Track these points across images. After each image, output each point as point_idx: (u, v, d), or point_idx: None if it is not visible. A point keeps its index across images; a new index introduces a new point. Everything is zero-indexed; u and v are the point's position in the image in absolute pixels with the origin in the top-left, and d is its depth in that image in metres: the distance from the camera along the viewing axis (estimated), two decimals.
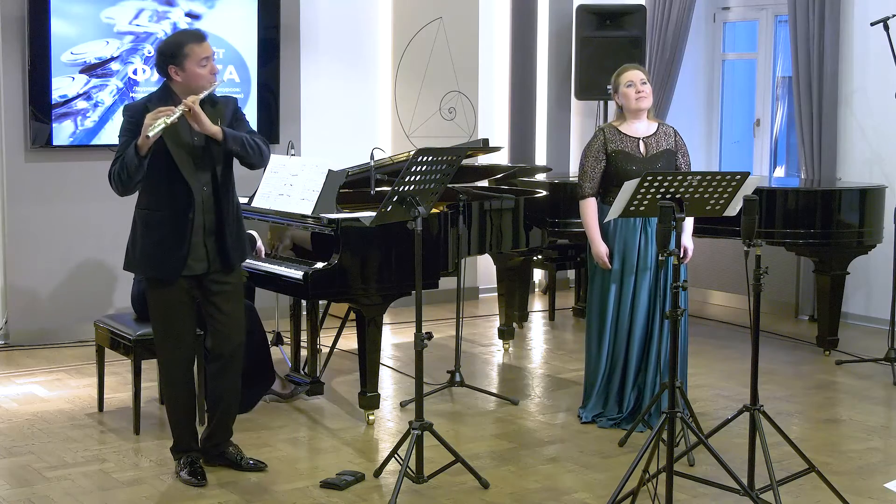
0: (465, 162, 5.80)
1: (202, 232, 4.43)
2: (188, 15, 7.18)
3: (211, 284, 4.52)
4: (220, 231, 4.47)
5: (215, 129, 4.32)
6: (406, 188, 4.39)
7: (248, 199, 5.56)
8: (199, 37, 4.38)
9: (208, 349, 4.70)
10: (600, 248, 5.28)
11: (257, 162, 4.53)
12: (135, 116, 4.35)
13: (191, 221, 4.39)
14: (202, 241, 4.44)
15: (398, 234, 5.05)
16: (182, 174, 4.35)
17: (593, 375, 5.40)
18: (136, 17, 7.02)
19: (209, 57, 4.37)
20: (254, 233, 5.46)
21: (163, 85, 4.44)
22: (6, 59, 6.76)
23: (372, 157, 5.62)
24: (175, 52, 4.33)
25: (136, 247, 4.49)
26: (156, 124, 4.17)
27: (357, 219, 5.11)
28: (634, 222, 5.22)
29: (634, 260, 5.25)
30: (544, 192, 6.35)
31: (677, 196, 4.19)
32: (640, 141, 5.29)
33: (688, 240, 5.27)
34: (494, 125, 8.73)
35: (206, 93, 4.33)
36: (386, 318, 5.65)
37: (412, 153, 4.59)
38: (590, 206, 5.32)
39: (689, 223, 5.37)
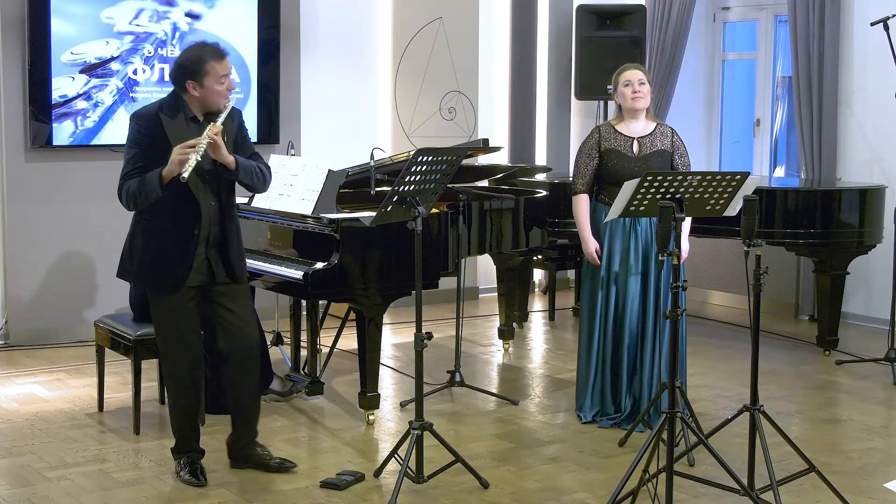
0: (465, 162, 5.80)
1: (205, 245, 4.44)
2: (188, 15, 7.18)
3: (216, 287, 4.52)
4: (223, 244, 4.48)
5: (230, 159, 4.33)
6: (406, 188, 4.39)
7: (248, 199, 5.56)
8: (220, 54, 4.35)
9: (221, 351, 4.64)
10: (590, 244, 5.30)
11: (260, 189, 4.59)
12: (149, 127, 4.33)
13: (196, 236, 4.39)
14: (205, 254, 4.45)
15: (398, 234, 5.05)
16: (192, 191, 4.33)
17: (584, 375, 5.42)
18: (136, 17, 7.02)
19: (228, 74, 4.36)
20: None
21: (174, 93, 4.40)
22: (6, 59, 6.76)
23: (372, 157, 5.62)
24: (196, 67, 4.30)
25: (135, 256, 4.48)
26: (188, 165, 4.16)
27: (357, 219, 5.11)
28: (623, 222, 5.23)
29: (623, 259, 5.26)
30: (544, 193, 6.35)
31: (677, 196, 4.19)
32: (635, 140, 5.30)
33: (684, 241, 5.28)
34: (494, 125, 8.73)
35: (223, 116, 4.32)
36: (386, 318, 5.66)
37: (412, 153, 4.59)
38: (582, 203, 5.34)
39: (685, 225, 5.38)
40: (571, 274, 8.73)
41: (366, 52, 8.24)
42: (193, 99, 4.35)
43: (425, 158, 4.40)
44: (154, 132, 4.31)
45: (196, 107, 4.37)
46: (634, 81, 5.27)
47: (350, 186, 5.76)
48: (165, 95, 4.47)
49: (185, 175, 4.16)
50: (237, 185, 4.54)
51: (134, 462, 4.82)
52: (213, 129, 4.24)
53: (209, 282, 4.48)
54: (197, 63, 4.30)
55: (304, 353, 6.02)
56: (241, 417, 4.66)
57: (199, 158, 4.19)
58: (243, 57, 7.44)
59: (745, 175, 4.28)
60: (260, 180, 4.50)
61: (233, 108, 4.47)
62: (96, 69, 6.93)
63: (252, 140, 4.73)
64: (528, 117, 8.81)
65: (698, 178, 4.21)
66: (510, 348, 7.03)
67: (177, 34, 7.14)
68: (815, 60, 7.65)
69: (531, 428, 5.40)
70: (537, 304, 8.59)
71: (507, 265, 6.99)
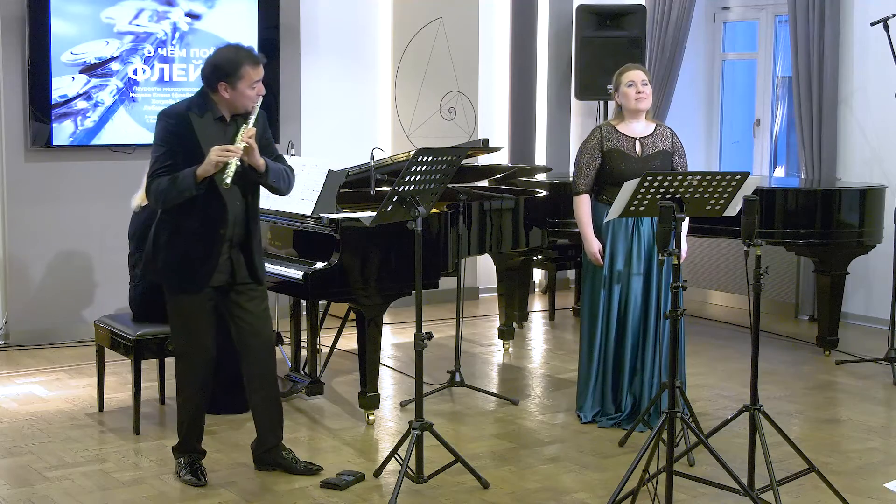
0: (465, 162, 5.80)
1: (229, 245, 4.44)
2: (188, 15, 7.18)
3: (236, 287, 4.51)
4: (247, 245, 4.49)
5: (261, 162, 4.35)
6: (406, 188, 4.39)
7: None
8: (256, 60, 4.36)
9: (238, 351, 4.62)
10: (593, 244, 5.30)
11: (284, 192, 4.60)
12: (178, 126, 4.33)
13: (221, 236, 4.40)
14: (227, 254, 4.45)
15: (398, 234, 5.05)
16: (220, 191, 4.33)
17: (585, 376, 5.42)
18: (136, 17, 7.02)
19: (260, 80, 4.38)
20: None
21: (202, 92, 4.41)
22: (6, 59, 6.76)
23: (372, 157, 5.62)
24: (231, 70, 4.30)
25: (159, 256, 4.47)
26: (229, 171, 4.19)
27: (357, 219, 5.11)
28: (626, 222, 5.23)
29: (625, 260, 5.26)
30: (544, 193, 6.36)
31: (677, 196, 4.19)
32: (637, 141, 5.30)
33: (682, 241, 5.27)
34: (494, 125, 8.73)
35: (253, 118, 4.34)
36: (386, 318, 5.66)
37: (412, 153, 4.59)
38: (583, 203, 5.34)
39: (683, 225, 5.37)
40: (571, 274, 8.73)
41: (366, 52, 8.24)
42: (222, 100, 4.36)
43: (425, 158, 4.40)
44: (183, 131, 4.32)
45: (224, 107, 4.38)
46: (638, 82, 5.27)
47: (350, 186, 5.76)
48: (192, 95, 4.48)
49: (228, 181, 4.20)
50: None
51: (134, 462, 4.82)
52: (249, 132, 4.27)
53: (230, 282, 4.49)
54: (232, 66, 4.31)
55: (304, 353, 6.02)
56: (263, 419, 4.65)
57: (239, 163, 4.23)
58: None
59: (745, 175, 4.28)
60: (285, 183, 4.53)
61: (259, 111, 4.48)
62: (96, 69, 6.93)
63: None
64: (528, 117, 8.80)
65: (698, 178, 4.21)
66: (510, 348, 7.03)
67: (177, 34, 7.14)
68: (815, 60, 7.65)
69: (531, 428, 5.40)
70: (537, 304, 8.59)
71: (507, 265, 6.99)
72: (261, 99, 4.40)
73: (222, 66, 4.32)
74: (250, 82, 4.33)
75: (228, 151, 4.21)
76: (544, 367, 6.65)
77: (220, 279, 4.46)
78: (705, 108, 9.04)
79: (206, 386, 4.62)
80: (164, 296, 4.58)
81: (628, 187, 4.23)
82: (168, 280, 4.50)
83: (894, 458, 5.00)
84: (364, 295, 5.17)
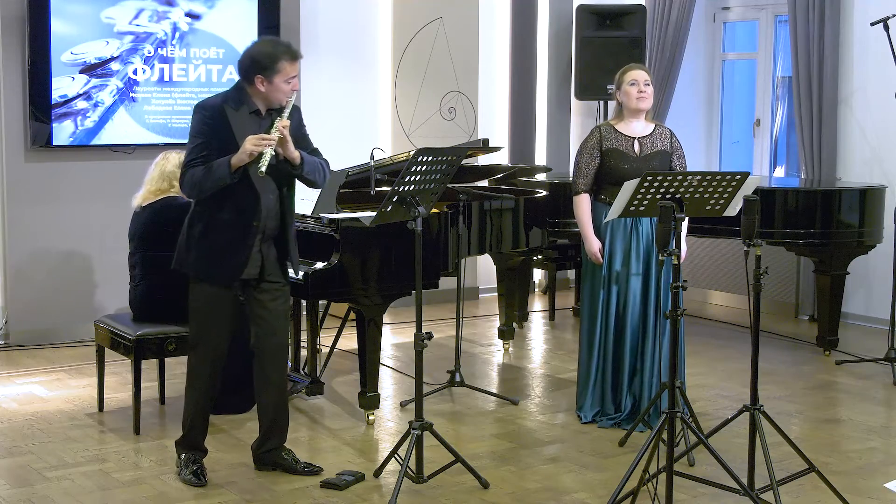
0: (465, 162, 5.80)
1: (261, 237, 4.45)
2: (188, 15, 7.18)
3: (262, 284, 4.53)
4: (282, 239, 4.51)
5: (296, 154, 4.36)
6: (406, 188, 4.39)
7: None
8: (293, 55, 4.38)
9: (252, 349, 4.64)
10: (593, 243, 5.30)
11: (320, 184, 4.61)
12: (213, 118, 4.35)
13: (255, 228, 4.41)
14: (259, 248, 4.46)
15: (398, 234, 5.05)
16: (253, 183, 4.34)
17: (585, 376, 5.42)
18: (136, 17, 7.02)
19: (296, 76, 4.39)
20: None
21: (237, 86, 4.42)
22: (6, 59, 6.76)
23: (372, 157, 5.62)
24: (268, 64, 4.32)
25: (192, 249, 4.47)
26: (263, 160, 4.22)
27: (357, 219, 5.11)
28: (625, 222, 5.23)
29: (624, 260, 5.26)
30: (544, 193, 6.36)
31: (677, 196, 4.20)
32: (636, 140, 5.31)
33: (682, 241, 5.27)
34: (494, 125, 8.73)
35: (287, 110, 4.35)
36: (386, 318, 5.66)
37: (412, 153, 4.59)
38: (583, 203, 5.34)
39: (683, 225, 5.37)
40: (571, 274, 8.73)
41: (366, 52, 8.24)
42: (258, 93, 4.38)
43: (425, 158, 4.40)
44: (218, 123, 4.34)
45: (259, 101, 4.40)
46: (640, 81, 5.28)
47: (350, 186, 5.76)
48: (228, 89, 4.49)
49: (263, 170, 4.22)
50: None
51: (134, 462, 4.82)
52: (283, 123, 4.29)
53: (257, 277, 4.50)
54: (270, 60, 4.32)
55: (304, 353, 6.02)
56: (270, 421, 4.65)
57: (274, 153, 4.25)
58: None
59: (745, 175, 4.28)
60: (321, 175, 4.54)
61: (293, 106, 4.47)
62: (96, 69, 6.93)
63: None
64: (528, 117, 8.81)
65: (698, 178, 4.21)
66: (510, 348, 7.03)
67: (177, 34, 7.15)
68: (815, 60, 7.65)
69: (531, 428, 5.40)
70: (537, 304, 8.59)
71: (507, 265, 6.99)
72: (294, 94, 4.41)
73: (260, 60, 4.34)
74: (286, 77, 4.35)
75: (263, 140, 4.24)
76: (544, 367, 6.65)
77: (250, 272, 4.47)
78: (705, 108, 9.04)
79: (214, 380, 4.61)
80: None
81: (628, 187, 4.23)
82: (199, 270, 4.48)
83: (894, 458, 5.00)
84: (364, 295, 5.17)
